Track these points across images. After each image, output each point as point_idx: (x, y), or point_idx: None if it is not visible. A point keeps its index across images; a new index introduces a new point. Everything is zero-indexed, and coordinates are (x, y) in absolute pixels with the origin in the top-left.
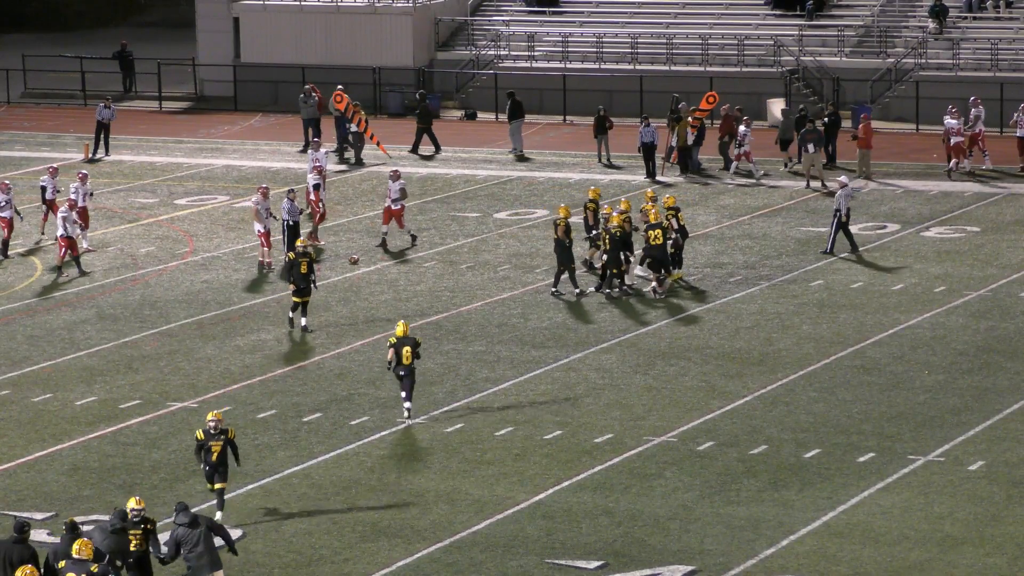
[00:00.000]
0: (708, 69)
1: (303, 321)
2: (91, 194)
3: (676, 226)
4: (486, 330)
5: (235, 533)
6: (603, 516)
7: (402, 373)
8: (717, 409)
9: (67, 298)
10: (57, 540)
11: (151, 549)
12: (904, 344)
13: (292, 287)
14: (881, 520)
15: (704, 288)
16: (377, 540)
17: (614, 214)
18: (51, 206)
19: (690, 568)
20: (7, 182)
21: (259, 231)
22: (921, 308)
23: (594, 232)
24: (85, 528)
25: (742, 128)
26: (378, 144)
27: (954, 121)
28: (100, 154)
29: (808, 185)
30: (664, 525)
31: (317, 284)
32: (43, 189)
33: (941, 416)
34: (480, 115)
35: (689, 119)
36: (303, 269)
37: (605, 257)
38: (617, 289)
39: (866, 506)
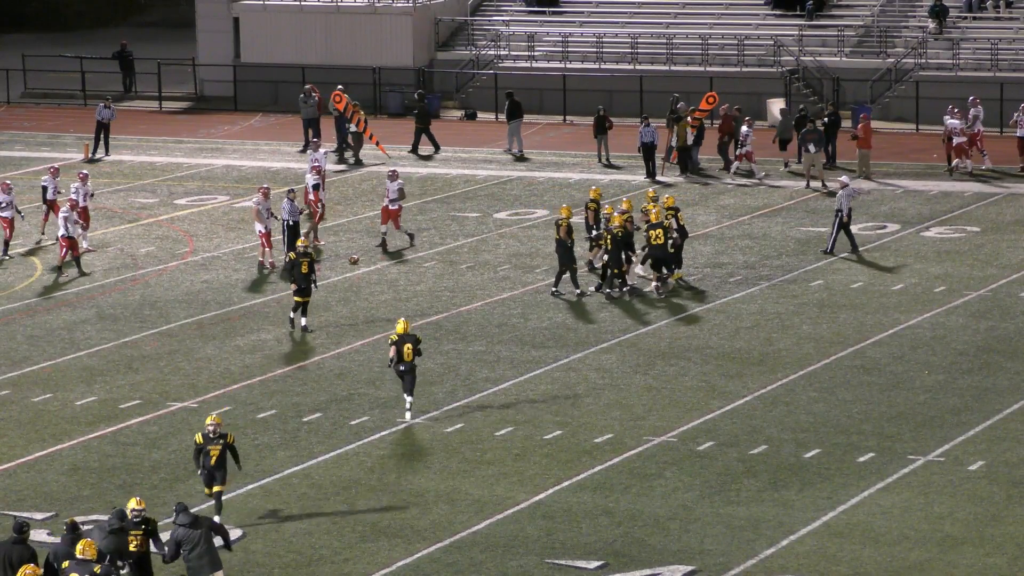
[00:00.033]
0: (708, 69)
1: (303, 321)
2: (91, 195)
3: (676, 226)
4: (486, 330)
5: (235, 533)
6: (603, 516)
7: (403, 369)
8: (717, 409)
9: (67, 298)
10: (57, 540)
11: (154, 548)
12: (904, 344)
13: (293, 287)
14: (881, 520)
15: (704, 288)
16: (377, 540)
17: (615, 214)
18: (52, 206)
19: (690, 568)
20: (8, 182)
21: (260, 231)
22: (921, 308)
23: (595, 232)
24: (84, 528)
25: (744, 128)
26: (377, 144)
27: (957, 121)
28: (100, 154)
29: (808, 185)
30: (664, 525)
31: (317, 284)
32: (44, 189)
33: (941, 416)
34: (480, 115)
35: (688, 119)
36: (304, 269)
37: (606, 257)
38: (618, 289)
39: (866, 506)
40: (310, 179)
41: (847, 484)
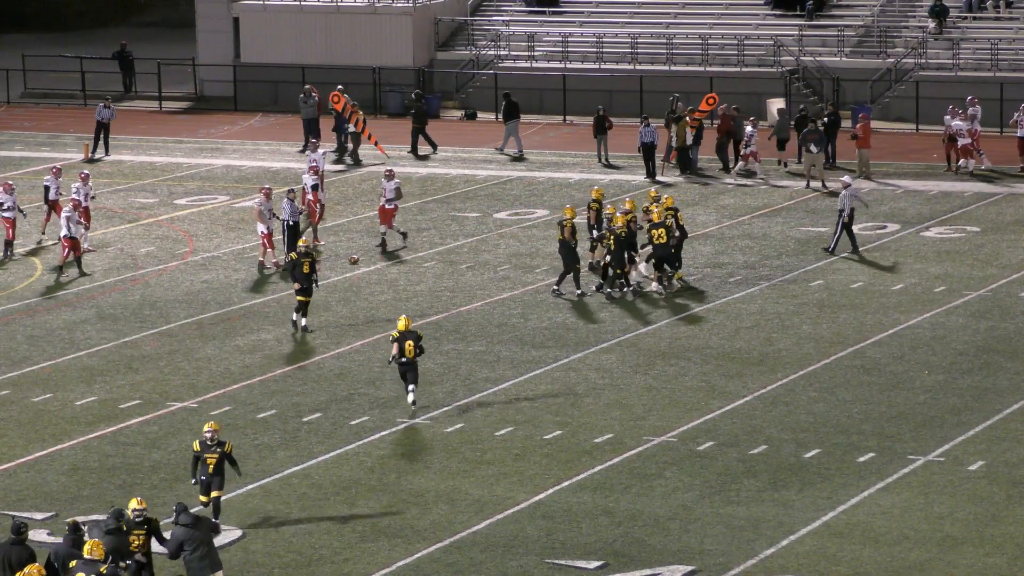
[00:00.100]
0: (708, 69)
1: (303, 321)
2: (92, 197)
3: (675, 226)
4: (486, 330)
5: (235, 533)
6: (603, 516)
7: (404, 360)
8: (717, 409)
9: (67, 298)
10: (57, 540)
11: (159, 544)
12: (904, 344)
13: (296, 286)
14: (881, 520)
15: (704, 288)
16: (377, 540)
17: (618, 214)
18: (54, 206)
19: (690, 568)
20: (10, 183)
21: (262, 232)
22: (921, 308)
23: (595, 232)
24: (84, 529)
25: (748, 128)
26: (376, 144)
27: (962, 123)
28: (100, 154)
29: (808, 185)
30: (664, 525)
31: (319, 283)
32: (46, 189)
33: (941, 416)
34: (480, 115)
35: (688, 119)
36: (305, 269)
37: (609, 257)
38: (618, 289)
39: (866, 506)
40: (308, 179)
41: (847, 484)
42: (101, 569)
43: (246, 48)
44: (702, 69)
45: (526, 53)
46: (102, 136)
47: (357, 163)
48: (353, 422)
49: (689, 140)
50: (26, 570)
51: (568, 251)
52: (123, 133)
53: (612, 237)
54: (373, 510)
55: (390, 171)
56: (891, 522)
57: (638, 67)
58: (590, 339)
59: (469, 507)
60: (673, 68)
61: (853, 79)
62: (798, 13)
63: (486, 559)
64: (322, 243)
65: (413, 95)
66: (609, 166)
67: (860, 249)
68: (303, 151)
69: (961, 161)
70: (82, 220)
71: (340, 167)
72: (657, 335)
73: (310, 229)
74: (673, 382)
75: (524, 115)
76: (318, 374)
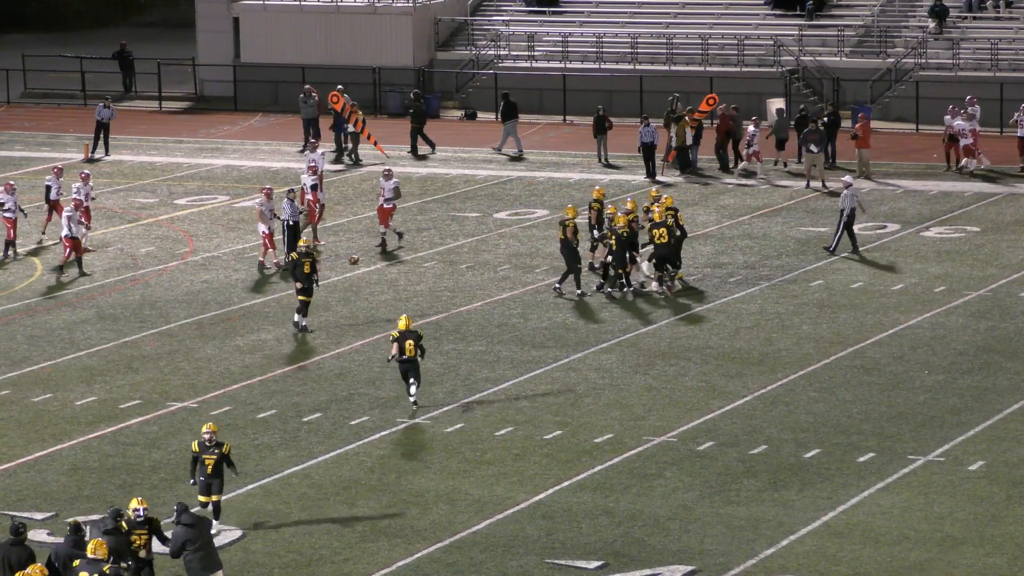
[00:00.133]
0: (708, 69)
1: (303, 321)
2: (93, 198)
3: (675, 226)
4: (486, 330)
5: (235, 533)
6: (603, 516)
7: (404, 359)
8: (717, 409)
9: (67, 298)
10: (56, 540)
11: (160, 544)
12: (904, 344)
13: (298, 286)
14: (881, 520)
15: (704, 288)
16: (377, 540)
17: (619, 214)
18: (55, 206)
19: (690, 568)
20: (12, 183)
21: (263, 232)
22: (921, 308)
23: (596, 232)
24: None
25: (751, 128)
26: (376, 144)
27: (965, 123)
28: (100, 154)
29: (808, 185)
30: (664, 525)
31: (319, 283)
32: (48, 188)
33: (941, 416)
34: (480, 115)
35: (687, 119)
36: (306, 269)
37: (611, 257)
38: (619, 289)
39: (866, 506)
40: (307, 180)
41: (847, 484)
42: (104, 568)
43: (246, 48)
44: (702, 69)
45: (526, 53)
46: (102, 136)
47: (356, 163)
48: (353, 422)
49: (689, 140)
50: (28, 570)
51: (570, 251)
52: (123, 133)
53: (614, 237)
54: (373, 510)
55: (388, 171)
56: (891, 522)
57: (638, 67)
58: (590, 339)
59: (469, 507)
60: (673, 68)
61: (853, 79)
62: (798, 13)
63: (486, 559)
64: (322, 243)
65: (412, 95)
66: (609, 166)
67: (860, 249)
68: (303, 151)
69: (963, 161)
70: (83, 220)
71: (339, 167)
72: (657, 335)
73: (310, 229)
74: (673, 382)
75: (524, 115)
76: (318, 374)
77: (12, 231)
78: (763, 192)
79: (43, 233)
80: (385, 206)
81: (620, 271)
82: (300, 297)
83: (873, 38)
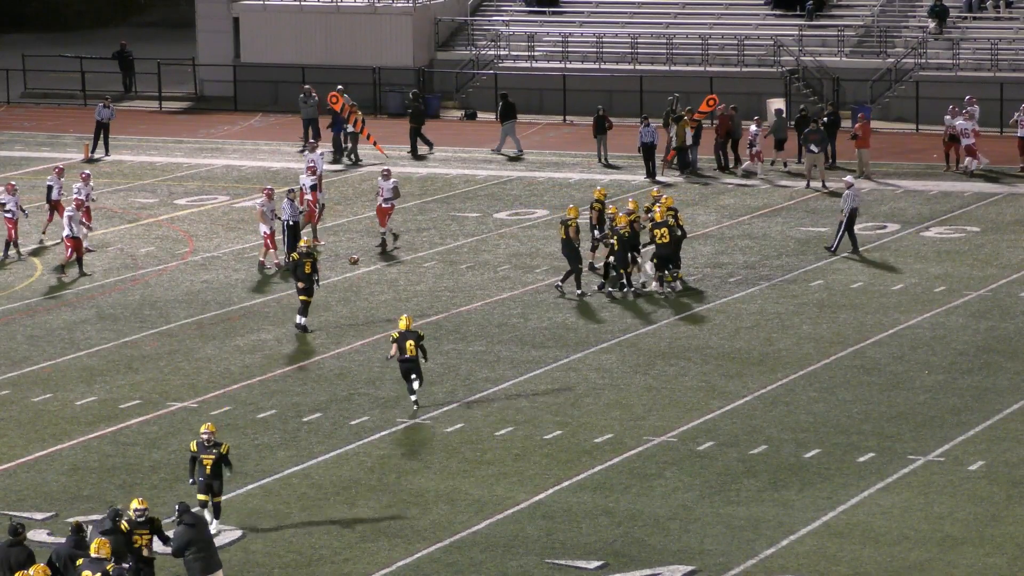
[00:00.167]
0: (708, 69)
1: (303, 321)
2: (93, 199)
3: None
4: (486, 330)
5: (235, 533)
6: (603, 516)
7: (406, 358)
8: (717, 409)
9: (67, 298)
10: (57, 540)
11: (162, 544)
12: (904, 344)
13: (300, 285)
14: (881, 520)
15: (704, 288)
16: (377, 540)
17: (620, 214)
18: (56, 206)
19: (690, 568)
20: (13, 183)
21: (264, 232)
22: (921, 308)
23: (597, 233)
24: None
25: (753, 127)
26: (375, 144)
27: (968, 123)
28: (99, 154)
29: (808, 185)
30: (664, 525)
31: (319, 283)
32: (49, 188)
33: (941, 416)
34: (480, 115)
35: (686, 118)
36: (307, 269)
37: (613, 258)
38: (619, 290)
39: (866, 506)
40: (306, 180)
41: (847, 484)
42: (108, 567)
43: (246, 48)
44: (702, 69)
45: (526, 53)
46: (102, 136)
47: (356, 163)
48: (353, 422)
49: (689, 140)
50: (31, 571)
51: (572, 250)
52: (123, 133)
53: (616, 237)
54: (373, 510)
55: (387, 171)
56: (891, 522)
57: (638, 67)
58: (590, 339)
59: (469, 507)
60: (673, 68)
61: (853, 79)
62: (798, 13)
63: (486, 559)
64: (322, 243)
65: (411, 95)
66: (609, 166)
67: (860, 249)
68: (302, 151)
69: (965, 161)
70: (84, 220)
71: (338, 167)
72: (657, 335)
73: (310, 229)
74: (673, 382)
75: (524, 115)
76: (318, 374)
77: (13, 231)
78: (763, 192)
79: (43, 233)
80: (383, 206)
81: (622, 271)
82: (301, 297)
83: (873, 38)
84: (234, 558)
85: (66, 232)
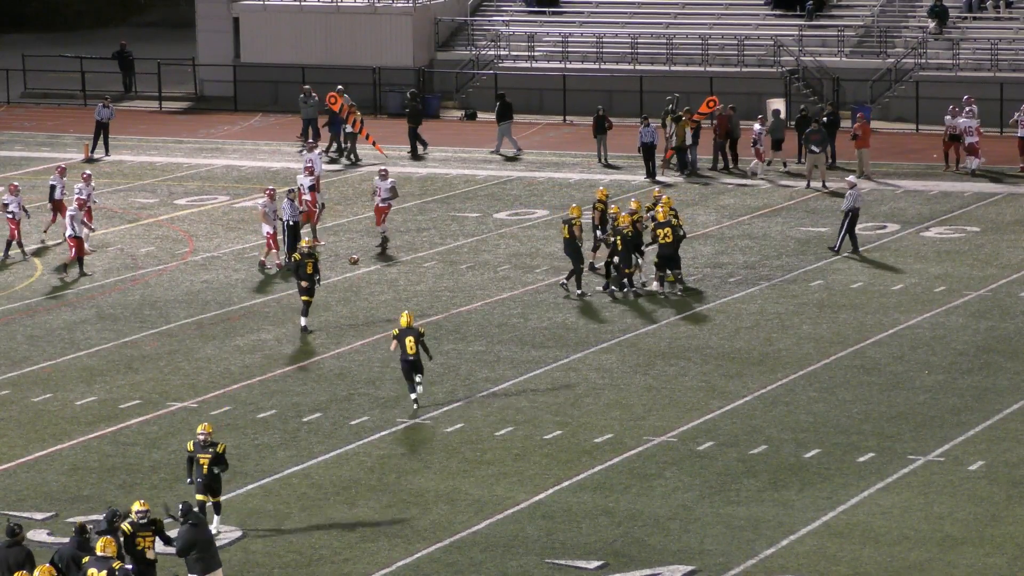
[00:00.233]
0: (708, 69)
1: (303, 322)
2: (95, 201)
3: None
4: (486, 330)
5: (235, 533)
6: (603, 516)
7: (410, 359)
8: (717, 409)
9: (67, 298)
10: (57, 540)
11: (164, 544)
12: (904, 344)
13: (303, 284)
14: (881, 520)
15: (704, 288)
16: (377, 540)
17: (622, 214)
18: (58, 206)
19: (690, 568)
20: (15, 184)
21: (267, 232)
22: (921, 308)
23: (600, 233)
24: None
25: (757, 126)
26: (374, 144)
27: (972, 121)
28: (99, 154)
29: (808, 185)
30: (664, 525)
31: (320, 283)
32: (52, 188)
33: (941, 416)
34: (480, 115)
35: (685, 118)
36: (308, 269)
37: (617, 258)
38: (620, 289)
39: (866, 506)
40: (304, 180)
41: (847, 484)
42: (114, 565)
43: (246, 48)
44: (702, 69)
45: (526, 53)
46: (102, 136)
47: (355, 163)
48: (353, 422)
49: (689, 140)
50: (36, 572)
51: (574, 250)
52: (123, 133)
53: (619, 237)
54: (373, 510)
55: (384, 171)
56: (891, 522)
57: (638, 67)
58: (590, 339)
59: (469, 507)
60: (673, 68)
61: (853, 79)
62: (798, 13)
63: (486, 559)
64: (322, 243)
65: (408, 95)
66: (609, 166)
67: (860, 249)
68: (301, 151)
69: (965, 160)
70: (85, 220)
71: (336, 167)
72: (657, 335)
73: (308, 228)
74: (673, 382)
75: (525, 115)
76: (318, 374)
77: (16, 231)
78: (763, 192)
79: (45, 232)
80: (380, 205)
81: (626, 271)
82: (303, 298)
83: (873, 38)
84: (234, 558)
85: (68, 232)
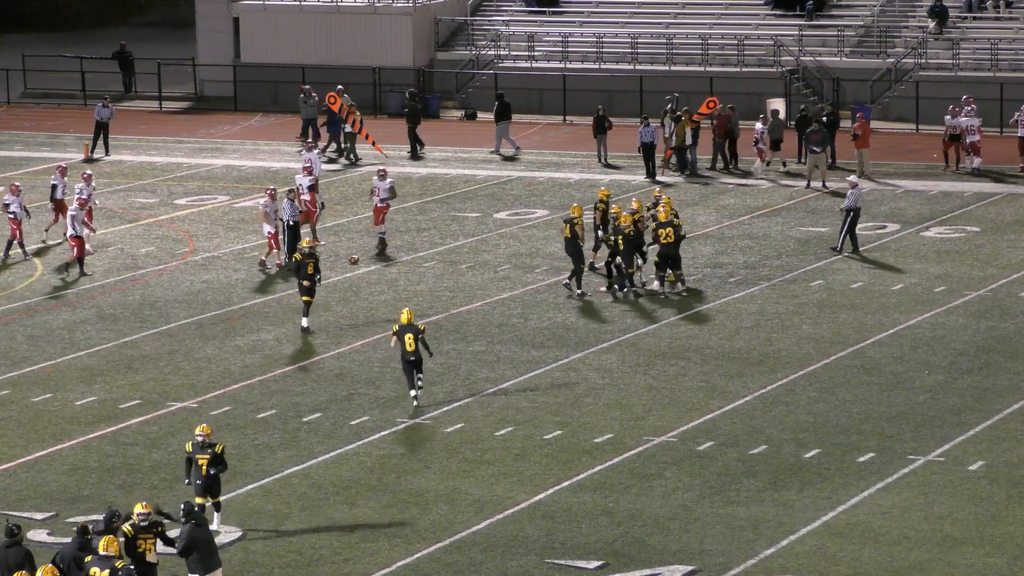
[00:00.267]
0: (708, 69)
1: (304, 322)
2: (95, 203)
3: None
4: (486, 330)
5: (235, 533)
6: (603, 516)
7: (412, 359)
8: (717, 409)
9: (67, 298)
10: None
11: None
12: (904, 344)
13: (305, 284)
14: (881, 520)
15: (704, 288)
16: (377, 540)
17: (624, 214)
18: (60, 206)
19: (690, 568)
20: (17, 184)
21: (268, 232)
22: (921, 308)
23: (601, 233)
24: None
25: (759, 126)
26: (374, 144)
27: (975, 120)
28: (99, 154)
29: (808, 185)
30: (664, 525)
31: (320, 283)
32: (53, 188)
33: (941, 416)
34: (480, 115)
35: (684, 118)
36: (310, 270)
37: (619, 258)
38: (621, 289)
39: (866, 506)
40: (302, 180)
41: (847, 484)
42: (116, 564)
43: (246, 48)
44: (702, 69)
45: (526, 53)
46: (102, 136)
47: (354, 163)
48: (353, 422)
49: (689, 140)
50: (39, 572)
51: (576, 249)
52: (123, 133)
53: (621, 237)
54: (373, 510)
55: (383, 171)
56: (891, 522)
57: (638, 67)
58: (590, 339)
59: (469, 507)
60: (673, 68)
61: (853, 79)
62: (798, 13)
63: (486, 559)
64: (322, 243)
65: (407, 94)
66: (609, 166)
67: (860, 249)
68: (301, 151)
69: (965, 160)
70: (86, 221)
71: (335, 167)
72: (657, 335)
73: (308, 228)
74: (673, 382)
75: (525, 115)
76: (318, 374)
77: (18, 231)
78: (763, 192)
79: (46, 231)
80: (379, 205)
81: (629, 270)
82: (304, 298)
83: (873, 38)
84: (234, 558)
85: (70, 232)
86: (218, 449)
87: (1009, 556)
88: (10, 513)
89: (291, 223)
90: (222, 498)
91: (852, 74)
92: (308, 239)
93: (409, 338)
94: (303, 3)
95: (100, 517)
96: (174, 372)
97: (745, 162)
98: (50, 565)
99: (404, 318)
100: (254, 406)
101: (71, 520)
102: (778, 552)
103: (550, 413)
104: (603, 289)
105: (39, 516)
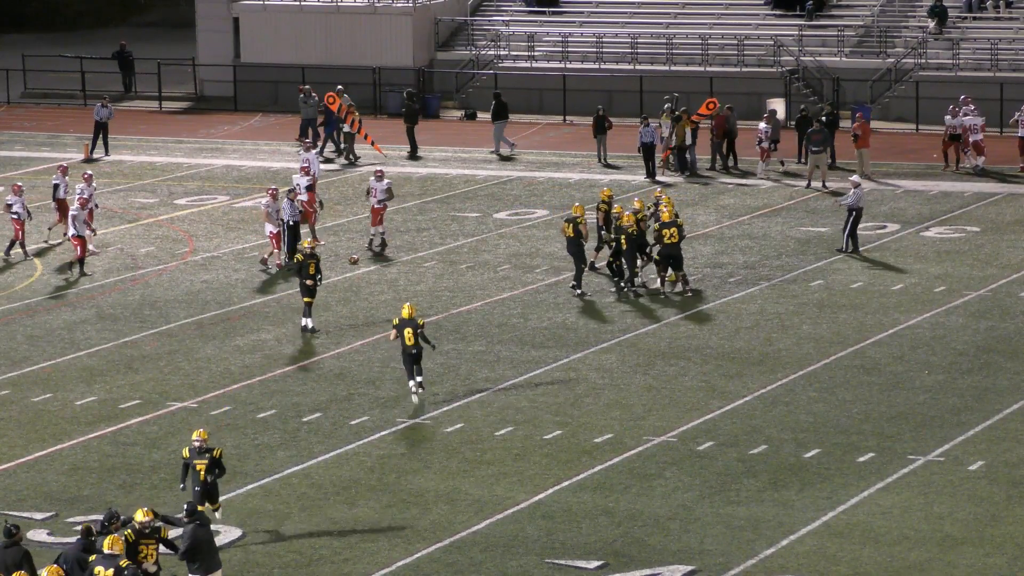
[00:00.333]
0: (708, 69)
1: (309, 323)
2: (96, 204)
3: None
4: (486, 330)
5: (235, 533)
6: (603, 516)
7: (413, 353)
8: (717, 409)
9: (67, 298)
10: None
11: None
12: (904, 344)
13: (307, 284)
14: (881, 520)
15: (704, 288)
16: (377, 540)
17: (626, 214)
18: (62, 205)
19: (690, 568)
20: (19, 184)
21: (270, 232)
22: (921, 308)
23: (604, 233)
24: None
25: (762, 125)
26: (373, 144)
27: (978, 119)
28: (99, 154)
29: (809, 185)
30: (664, 525)
31: (320, 282)
32: (55, 187)
33: (941, 416)
34: (480, 115)
35: (684, 118)
36: (311, 270)
37: (622, 258)
38: (621, 289)
39: (866, 506)
40: (300, 180)
41: (847, 484)
42: (121, 563)
43: (246, 48)
44: (702, 69)
45: (526, 53)
46: (101, 136)
47: (353, 163)
48: (353, 422)
49: (688, 140)
50: (43, 572)
51: (578, 249)
52: (123, 133)
53: (623, 237)
54: (373, 510)
55: (380, 171)
56: (891, 522)
57: (638, 67)
58: (590, 339)
59: (469, 507)
60: (673, 68)
61: (853, 79)
62: (798, 13)
63: (486, 559)
64: (322, 243)
65: (406, 94)
66: (609, 166)
67: (860, 249)
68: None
69: (965, 159)
70: (87, 221)
71: (334, 167)
72: (657, 335)
73: (307, 228)
74: (673, 382)
75: (525, 115)
76: (318, 374)
77: (20, 232)
78: (763, 192)
79: (49, 231)
80: (376, 206)
81: (634, 271)
82: (305, 299)
83: (873, 38)
84: (234, 558)
85: (71, 232)
86: (216, 453)
87: (1009, 556)
88: (10, 513)
89: (291, 223)
90: (222, 498)
91: (852, 74)
92: (308, 240)
93: (409, 332)
94: (303, 3)
95: (97, 517)
96: (174, 372)
97: (744, 162)
98: (55, 565)
99: (405, 313)
100: (254, 406)
101: (71, 520)
102: (778, 552)
103: (550, 413)
104: (612, 290)
105: (39, 516)
